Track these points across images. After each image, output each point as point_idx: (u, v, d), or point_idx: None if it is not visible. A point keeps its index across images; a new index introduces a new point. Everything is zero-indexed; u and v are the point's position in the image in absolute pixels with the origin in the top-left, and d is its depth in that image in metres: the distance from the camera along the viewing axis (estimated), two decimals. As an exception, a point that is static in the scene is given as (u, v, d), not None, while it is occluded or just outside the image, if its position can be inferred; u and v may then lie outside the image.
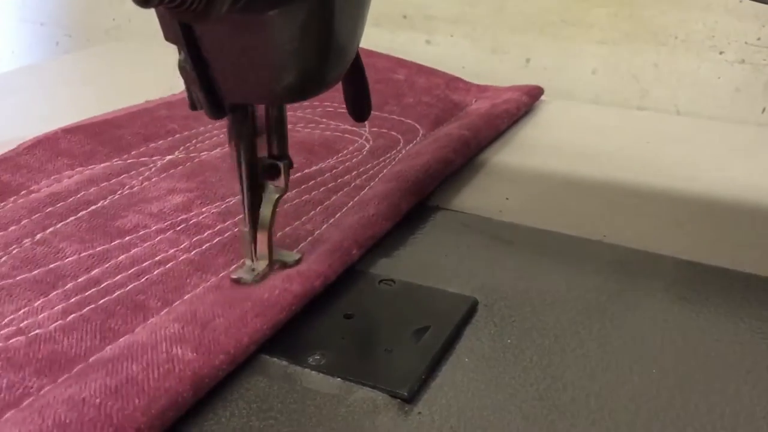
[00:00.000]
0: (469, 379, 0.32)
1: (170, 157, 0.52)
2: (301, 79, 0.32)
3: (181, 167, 0.51)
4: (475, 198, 0.50)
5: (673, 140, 0.64)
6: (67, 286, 0.37)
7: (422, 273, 0.40)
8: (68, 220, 0.43)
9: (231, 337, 0.32)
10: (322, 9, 0.30)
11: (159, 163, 0.51)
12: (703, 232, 0.46)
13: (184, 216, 0.44)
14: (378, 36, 0.85)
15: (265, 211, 0.37)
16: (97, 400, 0.28)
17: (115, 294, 0.37)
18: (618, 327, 0.36)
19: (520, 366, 0.33)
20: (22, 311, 0.35)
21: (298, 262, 0.38)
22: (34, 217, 0.43)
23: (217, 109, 0.32)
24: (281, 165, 0.36)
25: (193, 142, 0.55)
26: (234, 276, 0.37)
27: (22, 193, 0.46)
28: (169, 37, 0.30)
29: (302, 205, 0.46)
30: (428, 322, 0.36)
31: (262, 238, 0.37)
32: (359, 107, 0.41)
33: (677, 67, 0.76)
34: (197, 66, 0.31)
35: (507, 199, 0.50)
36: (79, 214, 0.44)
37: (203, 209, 0.45)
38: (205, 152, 0.53)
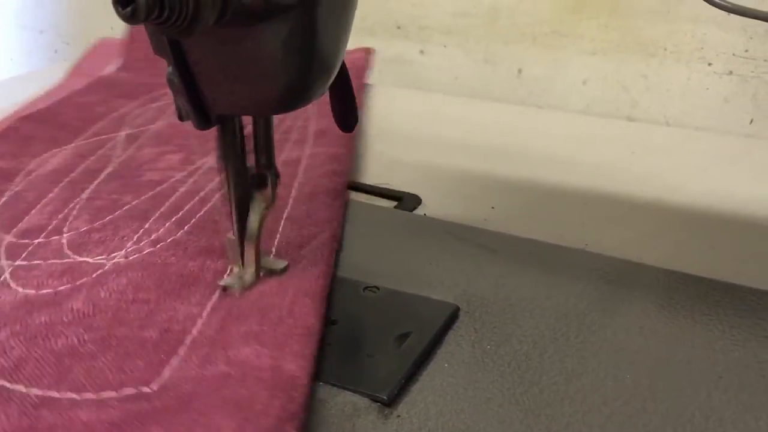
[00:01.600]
0: (447, 383, 0.33)
1: (124, 132, 0.57)
2: (285, 91, 0.33)
3: (144, 138, 0.56)
4: (461, 206, 0.51)
5: (660, 150, 0.65)
6: (156, 215, 0.44)
7: (406, 280, 0.41)
8: (97, 181, 0.49)
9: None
10: (305, 23, 0.31)
11: (121, 137, 0.56)
12: (683, 241, 0.47)
13: (191, 167, 0.50)
14: (372, 45, 0.86)
15: (253, 222, 0.38)
16: None
17: (202, 211, 0.45)
18: (595, 333, 0.37)
19: (498, 371, 0.34)
20: (140, 231, 0.43)
21: (284, 270, 0.39)
22: (60, 185, 0.48)
23: (204, 120, 0.33)
24: (268, 176, 0.37)
25: (130, 117, 0.60)
26: (222, 283, 0.38)
27: (23, 173, 0.50)
28: (157, 50, 0.31)
29: None
30: (410, 327, 0.36)
31: (249, 248, 0.38)
32: (345, 117, 0.42)
33: (666, 78, 0.77)
34: (184, 78, 0.32)
35: (492, 207, 0.51)
36: (101, 177, 0.49)
37: (205, 159, 0.50)
38: (151, 124, 0.59)
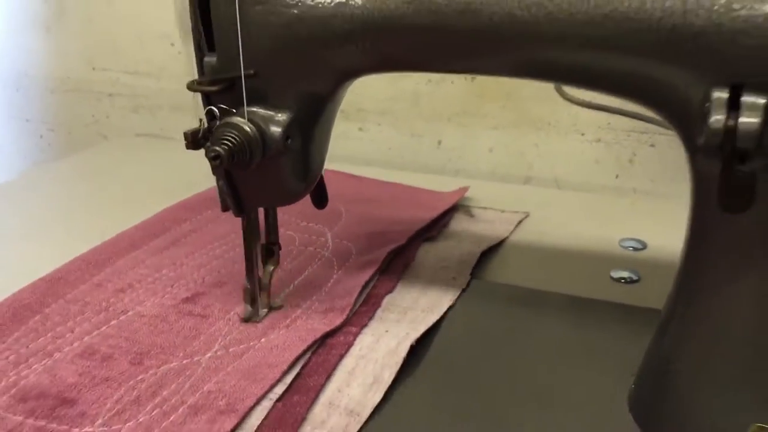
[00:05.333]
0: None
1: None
2: (290, 191, 0.53)
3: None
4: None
5: (550, 204, 0.85)
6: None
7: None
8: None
9: None
10: (304, 156, 0.51)
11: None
12: (547, 268, 0.67)
13: None
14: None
15: (265, 278, 0.57)
16: None
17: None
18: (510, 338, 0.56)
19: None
20: None
21: (280, 306, 0.58)
22: None
23: (240, 211, 0.53)
24: (274, 248, 0.57)
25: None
26: (242, 316, 0.56)
27: None
28: (214, 174, 0.51)
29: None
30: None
31: (263, 296, 0.57)
32: (319, 199, 0.60)
33: (552, 146, 0.95)
34: (230, 187, 0.51)
35: (424, 255, 0.70)
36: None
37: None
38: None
